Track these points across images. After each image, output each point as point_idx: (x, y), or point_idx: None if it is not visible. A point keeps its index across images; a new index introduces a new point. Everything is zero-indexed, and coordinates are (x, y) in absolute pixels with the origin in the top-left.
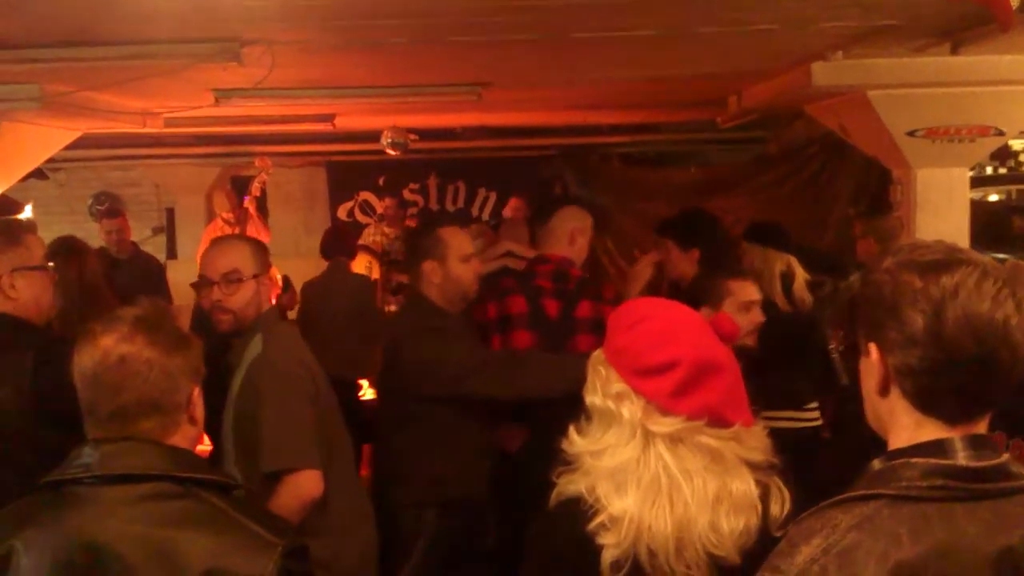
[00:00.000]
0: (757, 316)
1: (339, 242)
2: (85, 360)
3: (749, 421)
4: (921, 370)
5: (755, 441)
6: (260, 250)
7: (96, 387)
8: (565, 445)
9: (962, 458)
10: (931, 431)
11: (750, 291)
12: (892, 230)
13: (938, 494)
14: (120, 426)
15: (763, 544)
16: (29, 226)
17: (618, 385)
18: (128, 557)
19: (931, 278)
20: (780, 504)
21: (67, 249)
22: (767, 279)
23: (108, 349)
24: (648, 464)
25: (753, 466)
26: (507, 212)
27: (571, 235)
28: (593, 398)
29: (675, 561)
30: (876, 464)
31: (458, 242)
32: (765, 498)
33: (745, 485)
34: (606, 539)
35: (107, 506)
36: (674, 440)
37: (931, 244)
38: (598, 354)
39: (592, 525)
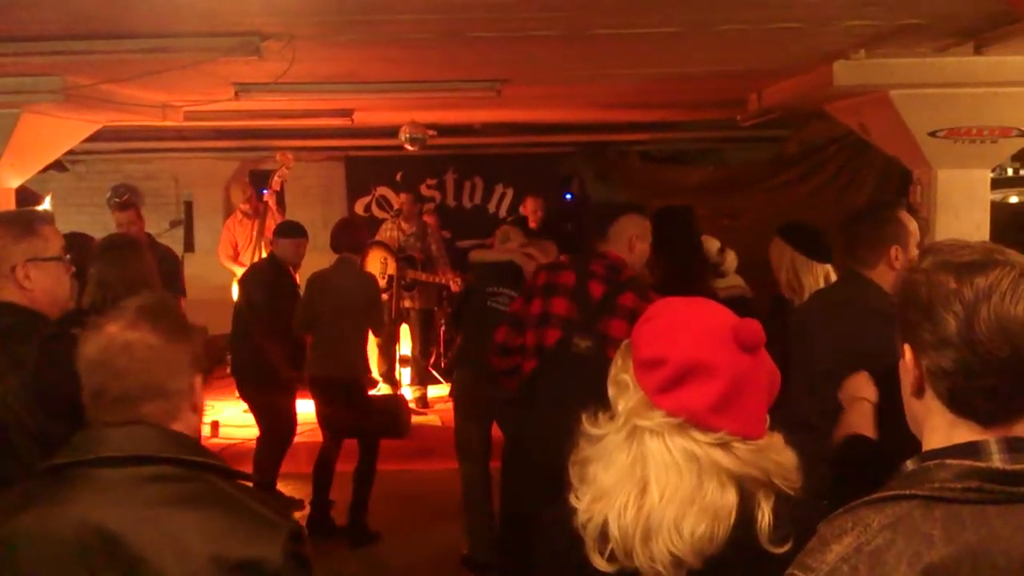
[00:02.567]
0: None
1: (346, 237)
2: (91, 347)
3: (752, 434)
4: (953, 372)
5: (753, 456)
6: None
7: (102, 372)
8: (582, 427)
9: (997, 460)
10: (965, 433)
11: None
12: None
13: (972, 496)
14: (125, 409)
15: (738, 553)
16: (45, 217)
17: (625, 375)
18: (134, 538)
19: (966, 279)
20: (765, 519)
21: (120, 245)
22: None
23: (113, 336)
24: (630, 451)
25: (739, 477)
26: (525, 211)
27: (630, 241)
28: (609, 382)
29: (641, 550)
30: (909, 465)
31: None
32: (748, 508)
33: (720, 492)
34: (584, 514)
35: (112, 487)
36: (653, 434)
37: (972, 244)
38: (628, 341)
39: (578, 504)
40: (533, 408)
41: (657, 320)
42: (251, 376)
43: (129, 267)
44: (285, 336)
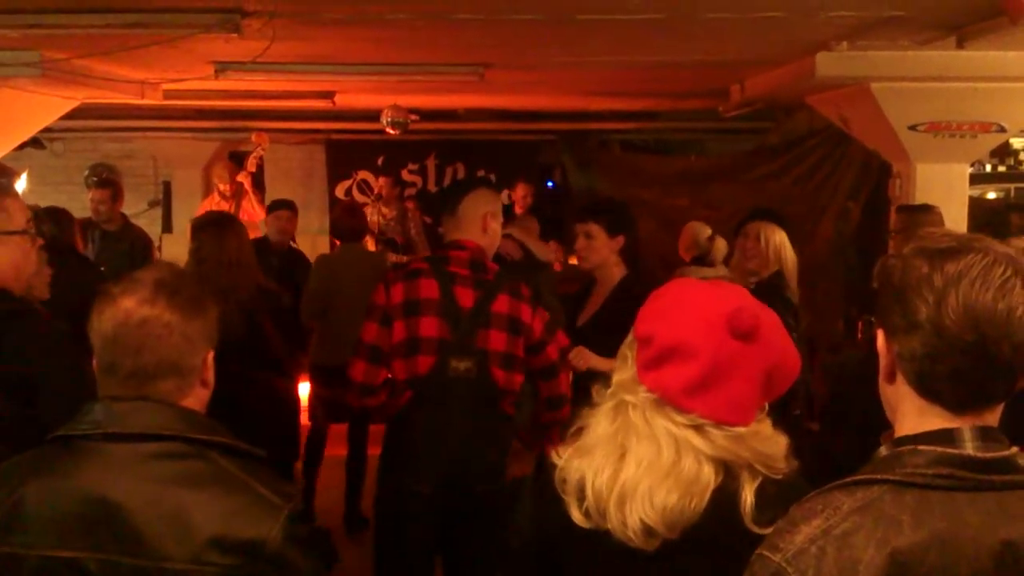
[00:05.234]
0: None
1: (350, 223)
2: (106, 322)
3: (729, 420)
4: (921, 356)
5: (728, 443)
6: None
7: (116, 347)
8: (591, 397)
9: (970, 448)
10: (935, 420)
11: None
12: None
13: (943, 483)
14: (137, 385)
15: (718, 531)
16: (8, 190)
17: (628, 349)
18: (137, 514)
19: (937, 265)
20: (748, 501)
21: (215, 222)
22: (784, 256)
23: (129, 311)
24: (615, 421)
25: (717, 460)
26: (514, 196)
27: (484, 220)
28: (618, 354)
29: (615, 514)
30: (883, 450)
31: None
32: (731, 488)
33: (696, 468)
34: (563, 471)
35: (118, 462)
36: (635, 408)
37: (954, 233)
38: None
39: (558, 460)
40: (412, 445)
41: (662, 299)
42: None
43: (226, 244)
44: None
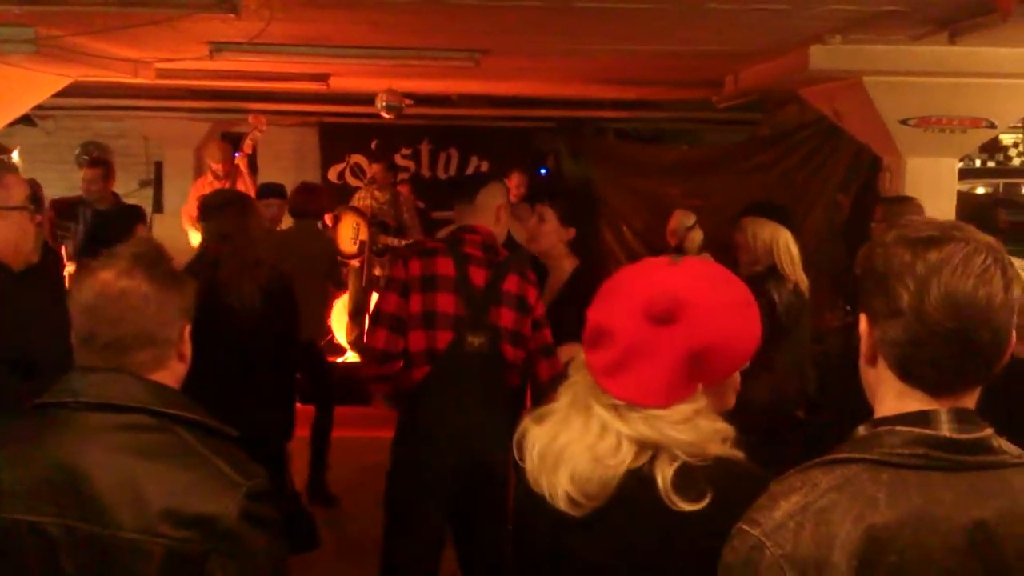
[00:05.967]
0: None
1: (306, 201)
2: (84, 292)
3: (643, 403)
4: (902, 341)
5: (642, 425)
6: None
7: (94, 318)
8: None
9: (946, 429)
10: (913, 402)
11: None
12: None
13: (919, 462)
14: (115, 356)
15: (636, 506)
16: (9, 166)
17: None
18: (97, 482)
19: (920, 253)
20: (666, 481)
21: (236, 200)
22: (776, 251)
23: (108, 282)
24: (567, 396)
25: (634, 440)
26: (510, 185)
27: (497, 212)
28: None
29: (546, 481)
30: (861, 430)
31: None
32: (650, 467)
33: (615, 445)
34: (518, 441)
35: (88, 431)
36: (579, 386)
37: (934, 221)
38: None
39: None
40: (432, 419)
41: (608, 282)
42: None
43: (249, 221)
44: None
